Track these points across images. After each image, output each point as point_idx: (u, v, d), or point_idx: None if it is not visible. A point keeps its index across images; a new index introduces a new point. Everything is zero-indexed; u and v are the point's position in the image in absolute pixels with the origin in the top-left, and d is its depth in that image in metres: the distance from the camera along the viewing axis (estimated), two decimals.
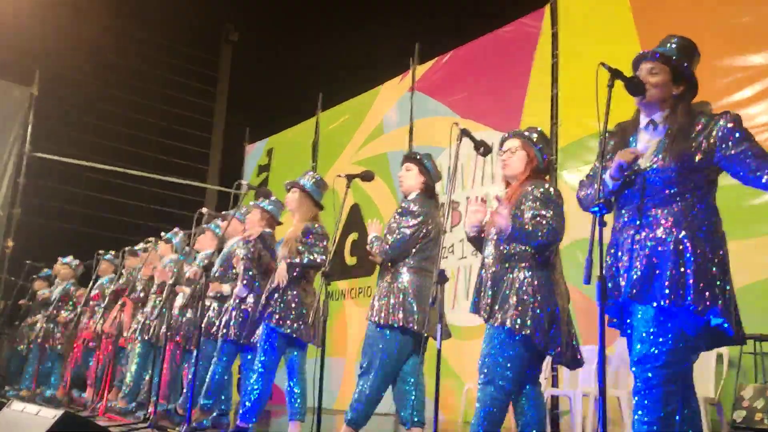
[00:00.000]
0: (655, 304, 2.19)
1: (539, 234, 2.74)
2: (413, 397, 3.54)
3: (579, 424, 4.51)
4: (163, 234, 6.35)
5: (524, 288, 2.78)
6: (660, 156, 2.27)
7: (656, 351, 2.17)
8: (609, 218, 2.16)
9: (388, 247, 3.54)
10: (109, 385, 5.75)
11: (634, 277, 2.24)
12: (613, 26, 5.66)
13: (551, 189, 2.89)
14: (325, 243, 4.10)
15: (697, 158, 2.23)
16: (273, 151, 10.19)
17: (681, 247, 2.19)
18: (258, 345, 4.17)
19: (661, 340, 2.18)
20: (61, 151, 12.68)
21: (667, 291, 2.15)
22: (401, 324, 3.42)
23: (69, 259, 7.94)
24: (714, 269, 2.18)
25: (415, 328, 3.41)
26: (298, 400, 4.11)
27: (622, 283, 2.29)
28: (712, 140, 2.23)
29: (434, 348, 2.67)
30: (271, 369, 4.12)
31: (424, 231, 3.56)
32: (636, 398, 2.20)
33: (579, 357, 2.89)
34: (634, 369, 2.23)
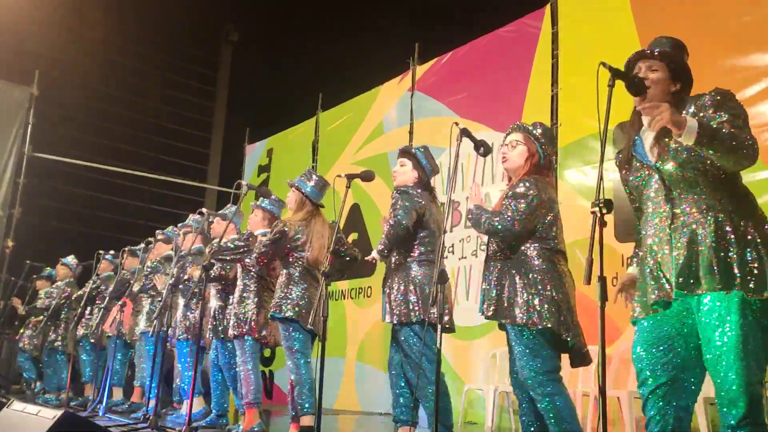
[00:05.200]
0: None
1: (483, 226, 2.92)
2: (408, 396, 3.54)
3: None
4: (158, 232, 6.34)
5: (534, 282, 2.79)
6: (660, 145, 2.25)
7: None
8: (609, 218, 2.15)
9: (394, 222, 3.49)
10: (108, 385, 5.76)
11: (681, 267, 2.14)
12: (613, 26, 5.66)
13: (529, 184, 2.91)
14: (263, 250, 4.16)
15: None
16: (273, 151, 10.19)
17: (724, 227, 2.13)
18: (285, 343, 4.12)
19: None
20: (61, 151, 12.67)
21: (716, 276, 2.07)
22: (423, 317, 3.42)
23: (69, 259, 7.94)
24: (760, 247, 2.11)
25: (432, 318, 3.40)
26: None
27: (664, 281, 2.20)
28: (698, 114, 2.21)
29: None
30: (307, 354, 4.10)
31: (421, 215, 3.57)
32: None
33: (587, 353, 2.89)
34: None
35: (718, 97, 2.21)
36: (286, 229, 4.15)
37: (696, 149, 2.13)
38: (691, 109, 2.25)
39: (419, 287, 3.48)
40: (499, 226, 2.86)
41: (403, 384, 3.57)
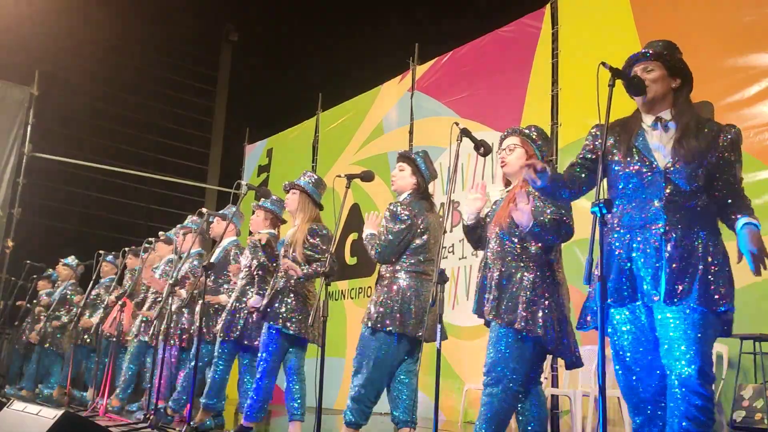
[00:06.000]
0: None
1: (561, 231, 2.76)
2: (405, 397, 3.55)
3: (579, 424, 4.51)
4: (161, 233, 6.34)
5: (533, 288, 2.77)
6: (681, 154, 2.29)
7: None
8: (609, 218, 2.15)
9: (375, 252, 3.56)
10: (109, 385, 5.76)
11: (667, 278, 2.22)
12: (613, 26, 5.66)
13: None
14: (327, 246, 4.12)
15: (708, 157, 2.29)
16: (273, 151, 10.19)
17: (708, 246, 2.25)
18: (261, 345, 4.17)
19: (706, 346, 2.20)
20: (61, 151, 12.68)
21: (699, 293, 2.19)
22: (397, 331, 3.41)
23: (70, 259, 7.94)
24: (728, 267, 2.27)
25: (410, 333, 3.40)
26: (298, 401, 4.12)
27: (645, 286, 2.28)
28: (718, 146, 2.30)
29: (434, 348, 2.66)
30: (275, 369, 4.14)
31: (412, 234, 3.54)
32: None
33: (578, 357, 2.89)
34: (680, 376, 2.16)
35: (735, 145, 2.33)
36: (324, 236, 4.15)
37: (700, 171, 2.27)
38: (711, 136, 2.31)
39: (401, 298, 3.46)
40: (565, 238, 2.81)
41: (399, 386, 3.57)
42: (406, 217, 3.54)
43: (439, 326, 2.69)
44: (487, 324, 2.97)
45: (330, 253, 3.47)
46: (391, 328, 3.41)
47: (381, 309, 3.46)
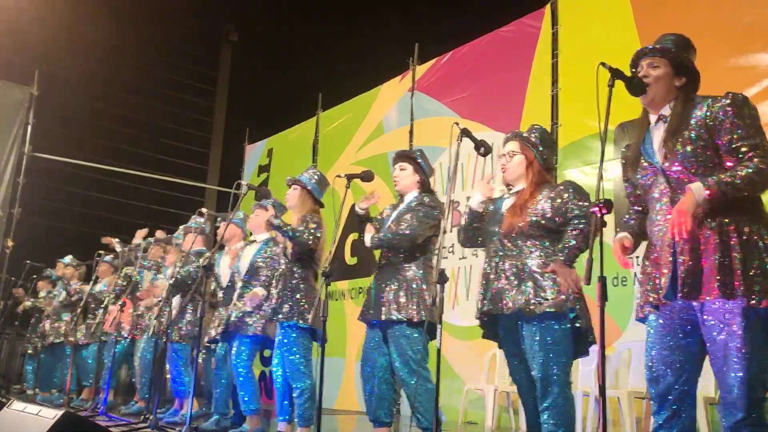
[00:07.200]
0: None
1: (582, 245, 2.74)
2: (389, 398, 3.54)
3: (579, 424, 4.51)
4: (157, 235, 6.34)
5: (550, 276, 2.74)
6: (669, 146, 2.24)
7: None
8: (609, 218, 2.15)
9: (408, 231, 3.45)
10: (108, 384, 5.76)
11: (679, 273, 2.13)
12: (613, 26, 5.66)
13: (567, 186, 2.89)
14: (314, 228, 4.01)
15: (701, 140, 2.19)
16: (273, 151, 10.19)
17: (727, 233, 2.10)
18: (283, 344, 4.06)
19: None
20: (61, 151, 12.68)
21: (716, 284, 2.06)
22: (419, 317, 3.38)
23: (69, 259, 7.93)
24: (764, 254, 2.08)
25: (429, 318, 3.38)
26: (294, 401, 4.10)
27: (664, 282, 2.19)
28: (710, 122, 2.20)
29: (434, 348, 2.66)
30: (309, 361, 4.06)
31: (433, 234, 3.52)
32: None
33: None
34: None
35: (733, 109, 2.20)
36: (317, 224, 4.05)
37: (702, 154, 2.16)
38: (701, 112, 2.23)
39: (417, 288, 3.45)
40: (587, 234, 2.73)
41: (385, 387, 3.53)
42: (437, 213, 3.54)
43: (439, 327, 2.69)
44: (487, 327, 2.94)
45: (330, 252, 3.46)
46: (411, 317, 3.38)
47: (393, 301, 3.43)
